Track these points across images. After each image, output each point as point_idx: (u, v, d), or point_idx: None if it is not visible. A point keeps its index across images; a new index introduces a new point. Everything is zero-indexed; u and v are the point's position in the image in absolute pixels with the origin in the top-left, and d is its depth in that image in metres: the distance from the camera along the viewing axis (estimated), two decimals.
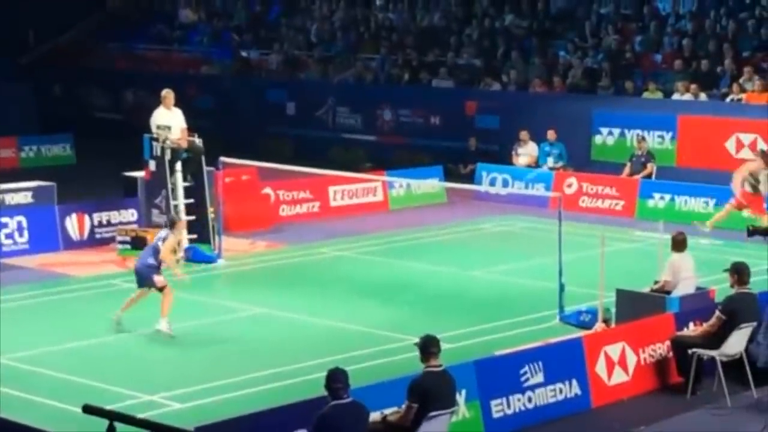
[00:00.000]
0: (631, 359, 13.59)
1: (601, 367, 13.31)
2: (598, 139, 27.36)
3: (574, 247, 17.88)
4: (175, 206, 20.39)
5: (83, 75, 37.43)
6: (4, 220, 20.47)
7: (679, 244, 15.43)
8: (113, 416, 6.85)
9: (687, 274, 15.36)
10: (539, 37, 30.60)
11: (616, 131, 27.07)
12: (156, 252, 15.83)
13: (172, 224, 16.35)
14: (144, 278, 15.90)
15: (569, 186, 25.22)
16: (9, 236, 20.46)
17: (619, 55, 28.87)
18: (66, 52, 39.14)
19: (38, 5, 37.24)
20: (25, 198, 21.43)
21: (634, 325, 14.10)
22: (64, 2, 37.82)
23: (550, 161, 26.49)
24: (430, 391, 10.41)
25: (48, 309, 16.83)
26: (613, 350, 13.48)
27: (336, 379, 9.79)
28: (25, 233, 20.60)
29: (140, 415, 7.53)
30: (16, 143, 31.75)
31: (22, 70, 37.72)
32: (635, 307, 14.91)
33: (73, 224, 21.10)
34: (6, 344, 15.15)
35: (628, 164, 25.47)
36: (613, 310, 15.53)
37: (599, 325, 15.33)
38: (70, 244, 20.94)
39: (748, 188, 22.19)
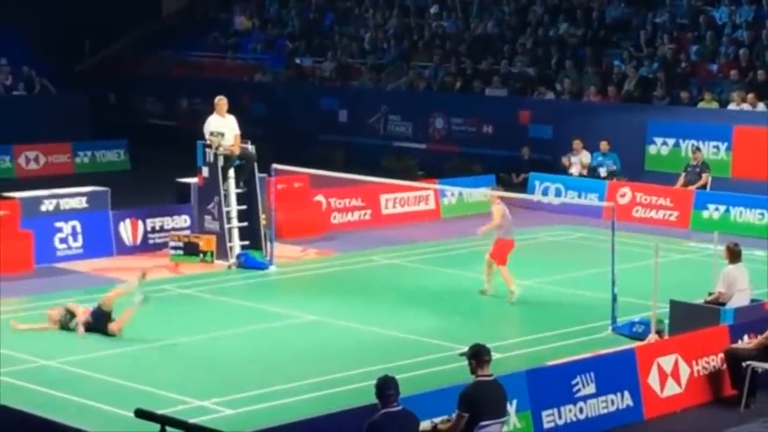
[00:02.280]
0: (685, 371, 13.46)
1: (653, 379, 13.19)
2: (652, 149, 27.16)
3: (627, 258, 17.78)
4: (228, 212, 20.49)
5: (138, 82, 37.75)
6: (59, 224, 20.66)
7: (733, 255, 15.26)
8: (165, 421, 6.89)
9: (742, 285, 15.19)
10: (593, 46, 30.45)
11: (671, 141, 26.87)
12: None
13: None
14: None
15: (623, 196, 25.05)
16: (63, 241, 20.65)
17: (675, 65, 28.65)
18: (121, 60, 39.50)
19: (94, 14, 37.61)
20: (79, 203, 21.59)
21: (687, 337, 13.97)
22: (119, 11, 38.19)
23: (603, 171, 26.33)
24: (480, 401, 10.35)
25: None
26: (666, 362, 13.35)
27: (387, 386, 9.76)
28: (79, 238, 20.78)
29: (192, 421, 7.56)
30: (71, 149, 32.06)
31: (78, 78, 38.11)
32: (689, 318, 14.77)
33: (126, 229, 21.25)
34: (59, 348, 15.29)
35: (683, 175, 25.27)
36: (667, 321, 15.39)
37: (652, 337, 15.20)
38: (123, 250, 21.09)
39: None
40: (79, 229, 20.78)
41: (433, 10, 35.03)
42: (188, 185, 21.62)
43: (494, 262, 18.28)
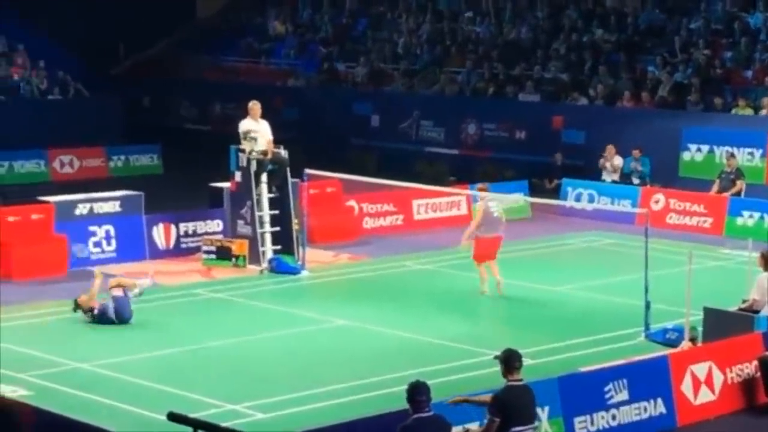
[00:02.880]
0: (718, 378, 13.38)
1: (687, 386, 13.12)
2: (686, 156, 27.02)
3: (660, 264, 17.70)
4: (260, 217, 20.53)
5: (172, 86, 37.90)
6: (93, 228, 20.77)
7: None
8: (197, 424, 6.90)
9: None
10: (627, 51, 30.33)
11: (705, 148, 26.73)
12: None
13: None
14: None
15: (656, 202, 24.93)
16: (97, 244, 20.75)
17: (709, 71, 28.50)
18: (155, 64, 39.68)
19: (129, 18, 37.82)
20: (113, 207, 21.70)
21: (721, 344, 13.89)
22: (154, 15, 38.36)
23: (636, 178, 26.22)
24: (512, 406, 10.32)
25: (134, 317, 16.98)
26: (700, 369, 13.28)
27: (419, 391, 9.75)
28: (113, 242, 20.88)
29: (224, 424, 7.57)
30: (104, 153, 32.24)
31: (112, 82, 38.31)
32: (723, 325, 14.68)
33: (159, 233, 21.33)
34: (92, 351, 15.37)
35: (717, 181, 25.13)
36: (700, 328, 15.30)
37: (686, 344, 15.11)
38: (157, 253, 21.17)
39: None
40: (112, 232, 20.88)
41: (467, 15, 34.99)
42: (221, 189, 21.68)
43: (480, 263, 18.26)
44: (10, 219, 19.98)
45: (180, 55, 39.39)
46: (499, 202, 19.34)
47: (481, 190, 19.88)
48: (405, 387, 9.88)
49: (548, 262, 21.19)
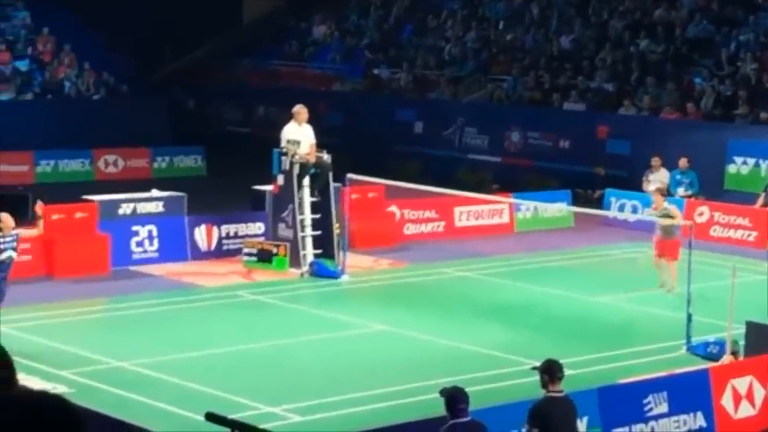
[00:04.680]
0: (759, 393, 13.24)
1: (727, 400, 13.00)
2: (732, 168, 26.81)
3: (703, 277, 17.54)
4: (302, 221, 20.57)
5: (216, 90, 38.08)
6: (136, 228, 20.88)
7: None
8: (235, 425, 6.91)
9: None
10: (674, 62, 30.15)
11: (751, 161, 26.51)
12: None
13: None
14: None
15: (701, 215, 24.73)
16: (139, 244, 20.86)
17: (757, 84, 28.27)
18: (200, 67, 39.89)
19: (175, 21, 38.04)
20: (156, 207, 21.82)
21: (763, 359, 13.75)
22: (200, 18, 38.58)
23: (681, 190, 26.02)
24: (551, 417, 10.24)
25: (175, 317, 17.08)
26: (741, 383, 13.15)
27: (458, 399, 9.69)
28: (155, 242, 20.98)
29: (261, 426, 7.57)
30: (149, 154, 32.44)
31: (158, 84, 38.55)
32: (765, 340, 14.53)
33: (201, 235, 21.41)
34: (132, 350, 15.44)
35: (763, 195, 24.89)
36: (742, 342, 15.15)
37: (727, 358, 14.97)
38: (198, 255, 21.25)
39: None
40: (155, 233, 20.98)
41: (513, 23, 34.90)
42: (263, 193, 21.75)
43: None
44: (54, 217, 20.13)
45: (225, 58, 39.57)
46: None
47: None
48: (443, 394, 9.84)
49: (590, 272, 21.08)
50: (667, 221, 19.32)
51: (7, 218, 15.20)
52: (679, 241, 19.42)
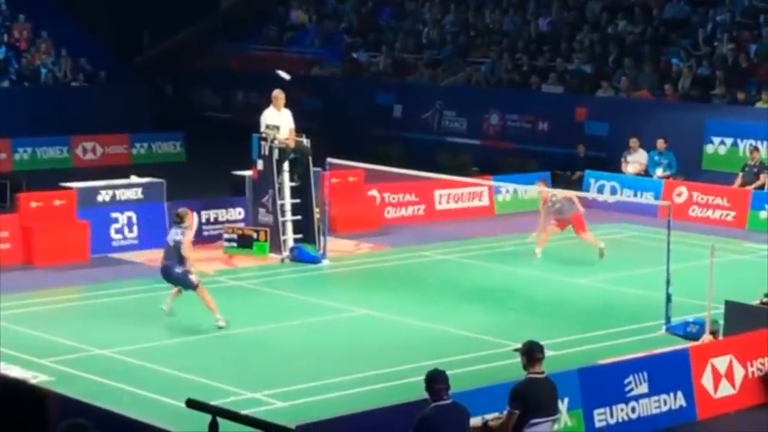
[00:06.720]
0: (739, 372, 13.33)
1: (707, 380, 13.08)
2: (709, 149, 26.89)
3: (682, 257, 17.61)
4: (282, 206, 20.56)
5: (195, 75, 37.95)
6: (115, 215, 20.84)
7: None
8: (216, 411, 6.90)
9: None
10: (651, 43, 30.19)
11: (729, 141, 26.59)
12: (179, 254, 16.01)
13: (181, 220, 16.33)
14: (176, 280, 16.18)
15: (679, 195, 24.82)
16: (119, 231, 20.82)
17: (734, 64, 28.33)
18: (179, 52, 39.73)
19: (153, 7, 37.87)
20: (135, 194, 21.75)
21: (742, 338, 13.84)
22: (178, 4, 38.40)
23: (660, 171, 26.11)
24: (532, 398, 10.30)
25: (155, 304, 17.04)
26: (721, 363, 13.23)
27: (437, 380, 9.74)
28: (135, 229, 20.94)
29: (243, 412, 7.58)
30: (128, 140, 32.33)
31: (136, 70, 38.39)
32: (744, 319, 14.60)
33: None
34: (113, 338, 15.43)
35: (740, 174, 25.01)
36: (721, 322, 15.24)
37: (706, 337, 15.06)
38: None
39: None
40: (134, 219, 20.94)
41: (491, 6, 34.88)
42: (243, 178, 21.70)
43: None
44: (33, 205, 20.07)
45: (203, 43, 39.43)
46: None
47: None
48: (424, 377, 9.89)
49: (569, 254, 21.13)
50: (557, 205, 20.44)
51: None
52: (579, 214, 20.42)
